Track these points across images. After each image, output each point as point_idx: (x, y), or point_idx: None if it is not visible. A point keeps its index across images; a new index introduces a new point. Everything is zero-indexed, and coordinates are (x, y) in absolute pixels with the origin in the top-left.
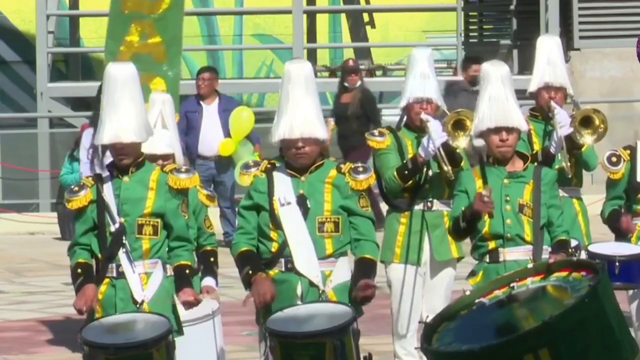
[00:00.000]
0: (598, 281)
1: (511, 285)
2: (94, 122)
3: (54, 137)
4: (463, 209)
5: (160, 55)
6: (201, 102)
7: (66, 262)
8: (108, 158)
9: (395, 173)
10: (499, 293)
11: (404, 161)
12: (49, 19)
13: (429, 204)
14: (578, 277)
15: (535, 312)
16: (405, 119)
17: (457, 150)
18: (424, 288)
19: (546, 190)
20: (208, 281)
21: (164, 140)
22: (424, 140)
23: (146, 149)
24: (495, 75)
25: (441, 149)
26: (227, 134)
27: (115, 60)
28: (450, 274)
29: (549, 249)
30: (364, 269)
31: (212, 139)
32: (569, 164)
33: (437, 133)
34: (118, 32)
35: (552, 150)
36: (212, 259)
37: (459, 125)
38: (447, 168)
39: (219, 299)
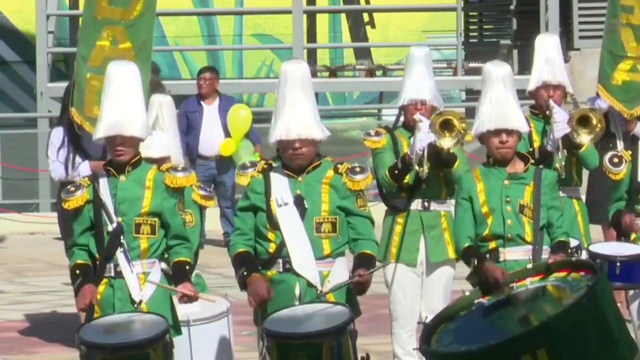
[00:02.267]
0: (596, 281)
1: (510, 285)
2: (63, 122)
3: None
4: (476, 264)
5: (131, 60)
6: (202, 102)
7: (66, 262)
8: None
9: (387, 172)
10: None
11: (396, 161)
12: (49, 19)
13: (425, 204)
14: (577, 277)
15: (535, 312)
16: (402, 119)
17: (451, 151)
18: (422, 288)
19: (546, 191)
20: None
21: (159, 142)
22: (412, 140)
23: (142, 152)
24: (497, 76)
25: (425, 150)
26: (228, 134)
27: (87, 64)
28: (448, 273)
29: (549, 249)
30: (363, 262)
31: (212, 139)
32: (562, 164)
33: (424, 134)
34: (90, 37)
35: (549, 148)
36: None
37: (447, 126)
38: (422, 169)
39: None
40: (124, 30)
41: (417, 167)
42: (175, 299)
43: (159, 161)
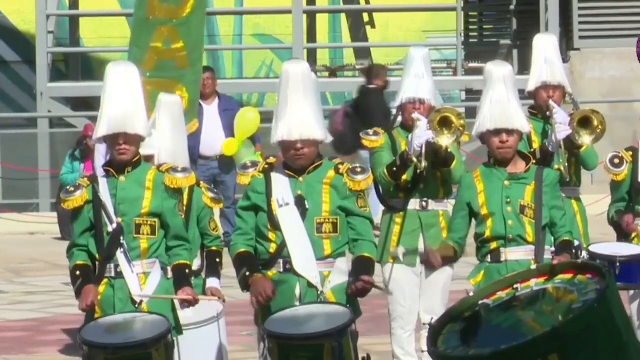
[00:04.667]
0: (607, 286)
1: (515, 286)
2: None
3: (54, 137)
4: None
5: (183, 61)
6: (201, 103)
7: (66, 262)
8: None
9: (385, 170)
10: (502, 294)
11: (394, 159)
12: (49, 19)
13: (423, 203)
14: (583, 279)
15: (543, 315)
16: (400, 119)
17: (449, 150)
18: (421, 288)
19: (548, 191)
20: (213, 282)
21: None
22: (410, 137)
23: None
24: (498, 76)
25: (423, 147)
26: (229, 133)
27: (141, 67)
28: (447, 274)
29: (551, 249)
30: (362, 266)
31: (213, 139)
32: (566, 164)
33: (422, 131)
34: (143, 39)
35: (550, 148)
36: (217, 260)
37: (445, 123)
38: (421, 165)
39: (225, 299)
40: (176, 30)
41: (415, 160)
42: (176, 301)
43: (145, 159)
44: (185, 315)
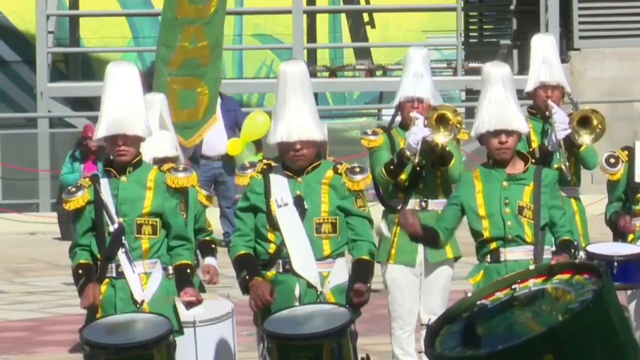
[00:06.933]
0: (603, 286)
1: (513, 287)
2: None
3: (54, 137)
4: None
5: (206, 58)
6: None
7: (66, 262)
8: None
9: (383, 169)
10: (500, 295)
11: (392, 157)
12: (49, 19)
13: (423, 203)
14: (581, 280)
15: (540, 315)
16: (399, 118)
17: (447, 149)
18: (421, 289)
19: (546, 191)
20: (210, 260)
21: (167, 141)
22: (407, 135)
23: (152, 152)
24: (496, 77)
25: (419, 144)
26: (230, 134)
27: (168, 67)
28: (447, 274)
29: (551, 249)
30: (360, 271)
31: (215, 139)
32: (567, 163)
33: (419, 128)
34: (171, 39)
35: (550, 148)
36: (212, 245)
37: (442, 120)
38: (415, 160)
39: (217, 280)
40: (202, 29)
41: (408, 153)
42: (178, 302)
43: (171, 160)
44: (199, 312)
